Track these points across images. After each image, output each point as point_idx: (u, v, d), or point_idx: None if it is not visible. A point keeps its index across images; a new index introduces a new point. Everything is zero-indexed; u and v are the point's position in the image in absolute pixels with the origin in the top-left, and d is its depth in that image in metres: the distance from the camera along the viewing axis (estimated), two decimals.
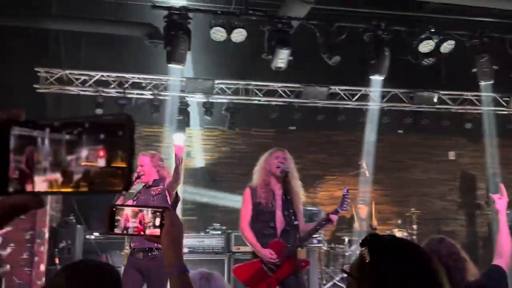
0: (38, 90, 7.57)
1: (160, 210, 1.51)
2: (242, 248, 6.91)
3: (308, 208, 7.72)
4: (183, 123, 8.14)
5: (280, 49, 6.63)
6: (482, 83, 7.48)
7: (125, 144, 0.73)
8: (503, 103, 8.71)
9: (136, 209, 1.50)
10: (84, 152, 0.74)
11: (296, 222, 4.07)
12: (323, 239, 7.65)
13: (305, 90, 8.29)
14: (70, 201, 7.02)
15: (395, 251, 1.36)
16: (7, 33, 6.82)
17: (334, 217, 4.22)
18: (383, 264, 1.33)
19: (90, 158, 0.74)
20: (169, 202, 4.70)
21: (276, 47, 6.63)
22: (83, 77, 7.78)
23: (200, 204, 8.46)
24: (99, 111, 7.65)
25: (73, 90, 7.76)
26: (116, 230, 1.49)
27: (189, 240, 7.16)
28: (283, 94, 8.49)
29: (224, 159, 9.27)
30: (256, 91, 8.42)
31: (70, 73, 7.67)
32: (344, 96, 8.66)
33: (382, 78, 7.31)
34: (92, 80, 7.78)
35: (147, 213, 1.50)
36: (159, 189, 4.81)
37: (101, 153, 0.73)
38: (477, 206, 9.91)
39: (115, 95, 7.90)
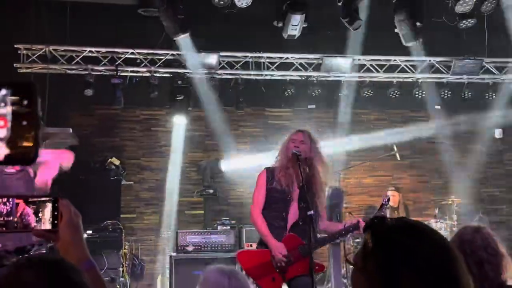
0: (19, 70, 7.60)
1: (51, 198, 1.43)
2: (256, 246, 6.89)
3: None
4: (185, 103, 8.09)
5: (293, 14, 6.52)
6: None
7: (31, 114, 0.72)
8: None
9: (19, 200, 1.41)
10: None
11: (310, 213, 3.99)
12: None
13: (325, 61, 8.16)
14: (55, 193, 7.08)
15: (402, 236, 1.31)
16: None
17: (364, 225, 4.18)
18: (386, 252, 1.29)
19: None
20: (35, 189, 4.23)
21: (288, 12, 6.52)
22: (69, 54, 7.80)
23: (207, 196, 8.45)
24: (88, 91, 7.68)
25: (59, 68, 7.77)
26: None
27: (194, 237, 7.19)
28: (299, 67, 8.39)
29: (233, 144, 9.20)
30: (268, 64, 8.32)
31: (54, 50, 7.68)
32: (371, 68, 8.51)
33: (412, 45, 7.15)
34: (80, 57, 7.79)
35: (34, 203, 1.42)
36: (19, 166, 4.11)
37: (1, 123, 0.73)
38: None
39: (106, 73, 7.89)
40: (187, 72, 8.10)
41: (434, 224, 7.72)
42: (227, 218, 7.88)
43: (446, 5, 6.79)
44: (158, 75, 8.03)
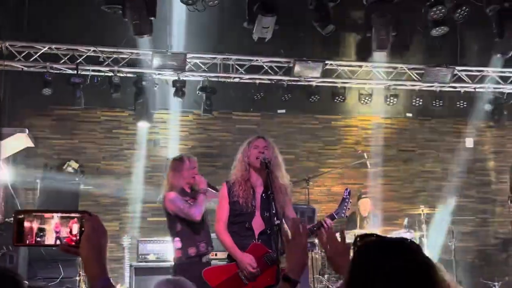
0: None
1: (79, 215, 1.49)
2: (220, 254, 6.88)
3: (299, 206, 7.75)
4: (150, 105, 8.05)
5: (263, 16, 6.56)
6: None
7: None
8: None
9: (49, 214, 1.50)
10: None
11: (277, 222, 4.03)
12: (316, 242, 7.64)
13: (296, 65, 8.21)
14: (12, 199, 6.96)
15: (376, 256, 1.42)
16: None
17: (329, 223, 4.20)
18: (359, 269, 1.42)
19: None
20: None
21: (259, 14, 6.56)
22: (26, 50, 7.67)
23: None
24: (47, 91, 7.57)
25: (15, 65, 7.64)
26: (26, 241, 1.49)
27: (155, 246, 7.16)
28: (269, 70, 8.44)
29: (199, 149, 9.19)
30: (237, 67, 8.35)
31: (11, 45, 7.54)
32: (343, 73, 8.63)
33: (384, 52, 7.31)
34: (38, 54, 7.67)
35: (63, 220, 1.51)
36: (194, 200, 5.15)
37: None
38: (498, 203, 9.98)
39: (66, 71, 7.79)
40: (152, 73, 8.06)
41: (403, 234, 7.85)
42: None
43: (420, 12, 6.96)
44: (121, 74, 7.97)
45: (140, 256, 7.08)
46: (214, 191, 5.34)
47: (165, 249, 7.16)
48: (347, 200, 4.32)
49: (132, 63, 8.07)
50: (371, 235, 1.54)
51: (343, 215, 4.30)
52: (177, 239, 5.09)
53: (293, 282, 1.82)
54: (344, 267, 1.98)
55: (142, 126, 8.39)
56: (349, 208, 4.35)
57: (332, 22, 6.82)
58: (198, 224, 5.04)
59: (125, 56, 7.99)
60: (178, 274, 4.83)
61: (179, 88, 8.13)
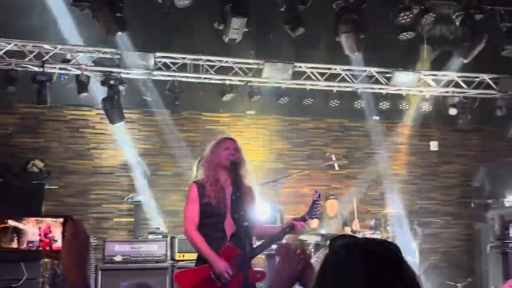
0: None
1: (61, 220, 1.49)
2: (188, 256, 6.90)
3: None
4: (118, 105, 7.98)
5: (235, 17, 6.58)
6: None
7: None
8: (493, 85, 9.04)
9: (31, 219, 1.52)
10: None
11: (246, 224, 4.06)
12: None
13: (265, 67, 8.24)
14: None
15: (344, 255, 1.41)
16: None
17: (300, 225, 4.26)
18: (338, 269, 1.39)
19: None
20: None
21: (230, 15, 6.58)
22: None
23: (138, 203, 8.35)
24: (12, 88, 7.44)
25: None
26: (7, 245, 1.50)
27: (123, 246, 7.10)
28: (239, 71, 8.46)
29: (167, 149, 9.17)
30: (207, 68, 8.36)
31: None
32: (312, 75, 8.71)
33: (353, 55, 7.42)
34: (3, 51, 7.53)
35: (46, 224, 1.53)
36: None
37: None
38: (462, 205, 10.22)
39: (32, 69, 7.66)
40: (121, 72, 7.99)
41: (369, 235, 7.98)
42: (159, 227, 7.80)
43: (388, 16, 7.09)
44: (88, 73, 7.88)
45: (107, 258, 7.00)
46: None
47: (132, 250, 7.09)
48: (317, 202, 4.38)
49: (100, 61, 7.98)
50: (348, 236, 1.52)
51: (314, 217, 4.39)
52: None
53: None
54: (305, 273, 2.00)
55: (116, 126, 8.29)
56: (319, 210, 4.42)
57: (302, 24, 6.91)
58: None
59: (93, 54, 7.90)
60: None
61: (148, 87, 8.09)
